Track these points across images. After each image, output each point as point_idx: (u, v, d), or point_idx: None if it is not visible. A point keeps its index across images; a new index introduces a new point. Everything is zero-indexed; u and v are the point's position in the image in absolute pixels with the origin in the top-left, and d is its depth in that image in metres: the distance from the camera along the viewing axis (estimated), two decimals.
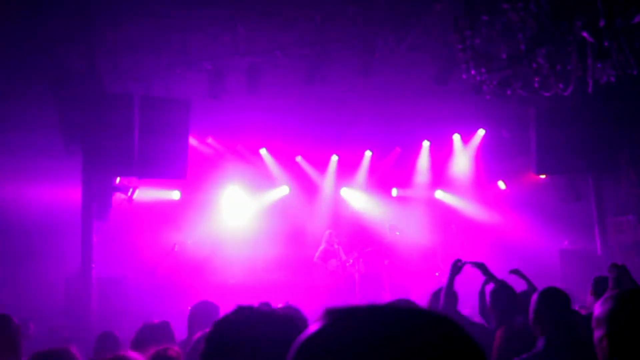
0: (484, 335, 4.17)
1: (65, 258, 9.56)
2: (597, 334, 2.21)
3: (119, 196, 10.17)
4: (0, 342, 3.45)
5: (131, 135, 9.67)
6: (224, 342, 1.54)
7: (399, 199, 14.42)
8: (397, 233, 12.56)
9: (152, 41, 10.03)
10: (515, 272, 5.35)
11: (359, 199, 14.44)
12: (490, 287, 4.72)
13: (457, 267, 4.84)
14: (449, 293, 4.73)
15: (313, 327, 0.84)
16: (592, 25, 5.00)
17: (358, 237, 13.55)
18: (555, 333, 3.11)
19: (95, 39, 9.74)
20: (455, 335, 0.83)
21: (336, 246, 12.51)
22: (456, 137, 14.11)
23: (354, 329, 0.80)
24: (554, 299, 3.29)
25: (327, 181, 14.48)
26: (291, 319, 1.63)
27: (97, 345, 4.71)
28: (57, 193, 9.49)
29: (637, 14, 4.72)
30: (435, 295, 5.19)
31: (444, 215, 13.78)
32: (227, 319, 1.60)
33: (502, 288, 4.49)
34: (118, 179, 10.61)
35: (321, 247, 12.48)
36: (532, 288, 5.17)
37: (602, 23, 4.80)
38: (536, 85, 6.39)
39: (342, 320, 0.83)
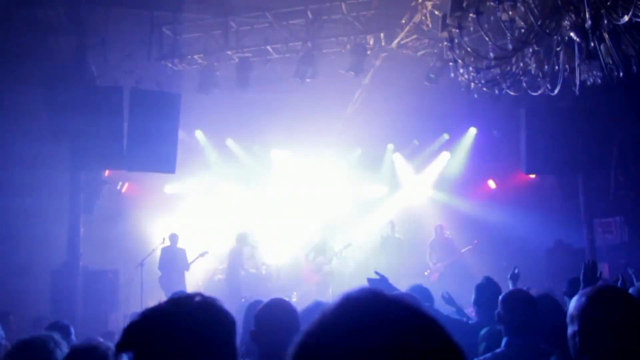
0: (463, 331, 4.20)
1: (52, 249, 9.53)
2: (571, 330, 2.23)
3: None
4: None
5: (120, 128, 9.63)
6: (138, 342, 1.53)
7: (393, 196, 14.44)
8: (395, 229, 12.61)
9: (143, 34, 10.01)
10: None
11: (350, 196, 14.45)
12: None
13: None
14: None
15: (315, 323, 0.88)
16: (579, 26, 5.02)
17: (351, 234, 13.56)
18: (516, 335, 3.15)
19: (86, 31, 9.71)
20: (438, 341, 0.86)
21: (328, 244, 12.54)
22: (446, 136, 14.15)
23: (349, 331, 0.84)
24: (517, 302, 3.33)
25: (318, 177, 14.46)
26: (207, 306, 1.64)
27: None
28: (45, 184, 9.43)
29: (623, 16, 4.74)
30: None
31: (435, 213, 13.82)
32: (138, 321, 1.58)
33: (487, 284, 4.51)
34: (107, 172, 10.58)
35: (312, 244, 12.50)
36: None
37: (588, 24, 4.82)
38: (524, 84, 6.42)
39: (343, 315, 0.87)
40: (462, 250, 12.26)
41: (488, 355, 3.16)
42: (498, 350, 3.17)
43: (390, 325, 0.84)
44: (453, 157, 14.10)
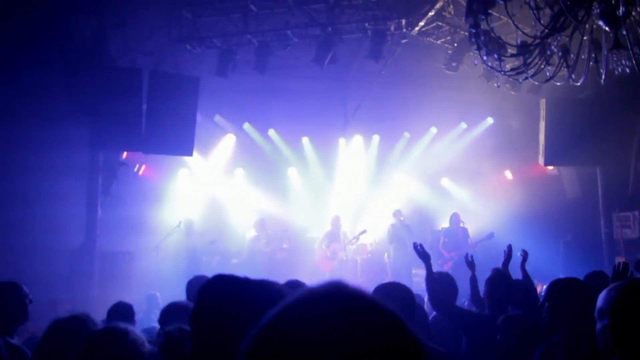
0: (482, 323, 4.16)
1: (69, 230, 9.59)
2: (600, 324, 2.18)
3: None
4: (11, 308, 3.61)
5: (139, 110, 9.65)
6: (210, 307, 1.56)
7: (405, 184, 14.36)
8: (402, 218, 12.52)
9: (163, 16, 9.97)
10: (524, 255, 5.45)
11: (365, 183, 14.40)
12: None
13: (423, 253, 4.84)
14: (431, 280, 4.71)
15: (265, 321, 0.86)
16: (609, 14, 4.91)
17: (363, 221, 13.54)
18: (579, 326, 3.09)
19: (106, 11, 9.69)
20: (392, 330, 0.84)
21: (342, 230, 12.54)
22: (464, 125, 14.04)
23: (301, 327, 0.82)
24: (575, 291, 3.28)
25: (334, 164, 14.42)
26: (266, 284, 1.67)
27: (109, 315, 4.59)
28: (63, 165, 9.47)
29: None
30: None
31: (450, 203, 13.72)
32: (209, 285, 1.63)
33: (498, 276, 4.46)
34: (125, 154, 10.62)
35: (326, 231, 12.49)
36: (528, 281, 5.20)
37: (622, 10, 4.71)
38: (547, 74, 6.32)
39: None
40: (476, 241, 12.14)
41: None
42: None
43: (350, 322, 0.82)
44: (470, 147, 13.96)
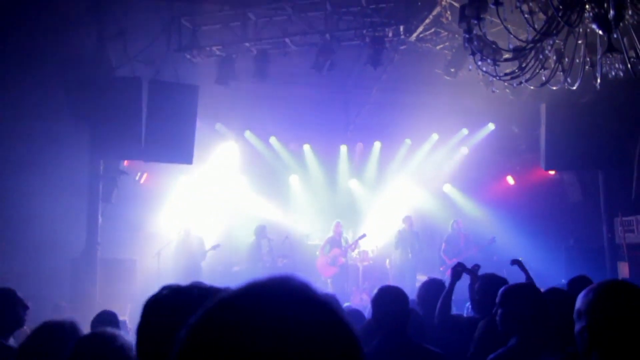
0: (463, 325, 4.19)
1: (71, 239, 9.63)
2: (578, 326, 2.18)
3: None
4: (5, 314, 3.67)
5: (139, 119, 9.71)
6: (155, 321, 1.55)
7: (407, 191, 14.35)
8: (404, 225, 12.52)
9: (162, 25, 10.05)
10: (516, 262, 5.42)
11: (367, 190, 14.40)
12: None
13: (457, 272, 4.81)
14: (448, 297, 4.68)
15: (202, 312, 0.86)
16: (602, 17, 4.91)
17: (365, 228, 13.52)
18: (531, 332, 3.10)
19: (106, 21, 9.78)
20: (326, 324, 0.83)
21: (344, 236, 12.55)
22: (465, 131, 14.03)
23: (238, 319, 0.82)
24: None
25: (336, 171, 14.44)
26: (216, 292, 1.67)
27: (94, 323, 4.61)
28: (63, 173, 9.53)
29: None
30: (426, 287, 5.16)
31: (453, 209, 13.72)
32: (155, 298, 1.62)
33: (494, 280, 4.44)
34: (125, 162, 10.68)
35: (328, 237, 12.50)
36: (530, 281, 5.17)
37: (611, 15, 4.71)
38: (544, 78, 6.32)
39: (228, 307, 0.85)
40: (478, 246, 12.12)
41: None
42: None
43: (282, 316, 0.81)
44: (471, 153, 13.97)
